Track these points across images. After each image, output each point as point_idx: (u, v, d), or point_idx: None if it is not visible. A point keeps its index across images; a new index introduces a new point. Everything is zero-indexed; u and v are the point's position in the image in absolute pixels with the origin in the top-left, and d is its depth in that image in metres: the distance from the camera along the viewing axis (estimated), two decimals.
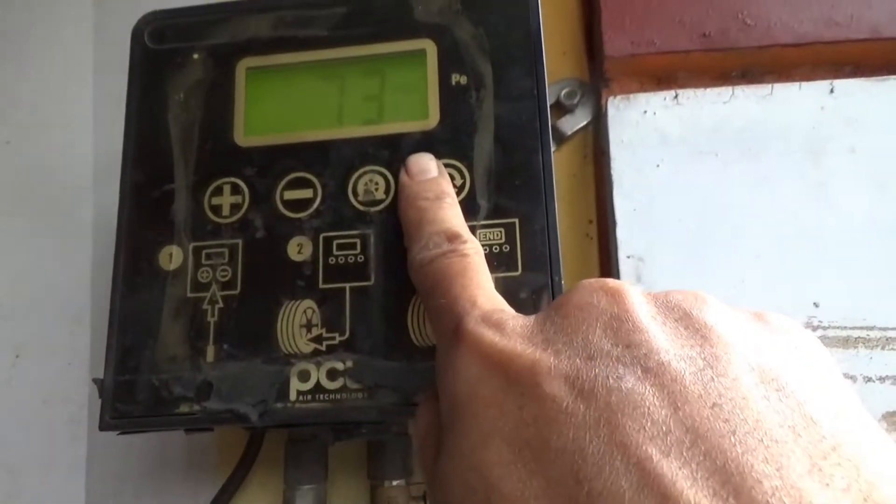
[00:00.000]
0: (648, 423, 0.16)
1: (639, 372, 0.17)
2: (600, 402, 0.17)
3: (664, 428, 0.16)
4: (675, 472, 0.15)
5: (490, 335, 0.20)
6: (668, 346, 0.18)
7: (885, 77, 0.35)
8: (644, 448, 0.16)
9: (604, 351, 0.18)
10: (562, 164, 0.38)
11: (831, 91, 0.35)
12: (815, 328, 0.31)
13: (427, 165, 0.27)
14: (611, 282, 0.20)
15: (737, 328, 0.19)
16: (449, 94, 0.28)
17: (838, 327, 0.31)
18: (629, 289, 0.20)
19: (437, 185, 0.26)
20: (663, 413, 0.16)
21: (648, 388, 0.17)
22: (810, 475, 0.15)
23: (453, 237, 0.24)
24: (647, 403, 0.16)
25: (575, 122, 0.38)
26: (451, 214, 0.25)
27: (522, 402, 0.18)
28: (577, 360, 0.18)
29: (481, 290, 0.22)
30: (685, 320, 0.19)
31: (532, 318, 0.20)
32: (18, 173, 0.43)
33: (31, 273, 0.41)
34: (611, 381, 0.17)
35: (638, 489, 0.15)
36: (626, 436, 0.16)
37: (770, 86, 0.35)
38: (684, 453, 0.15)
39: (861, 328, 0.31)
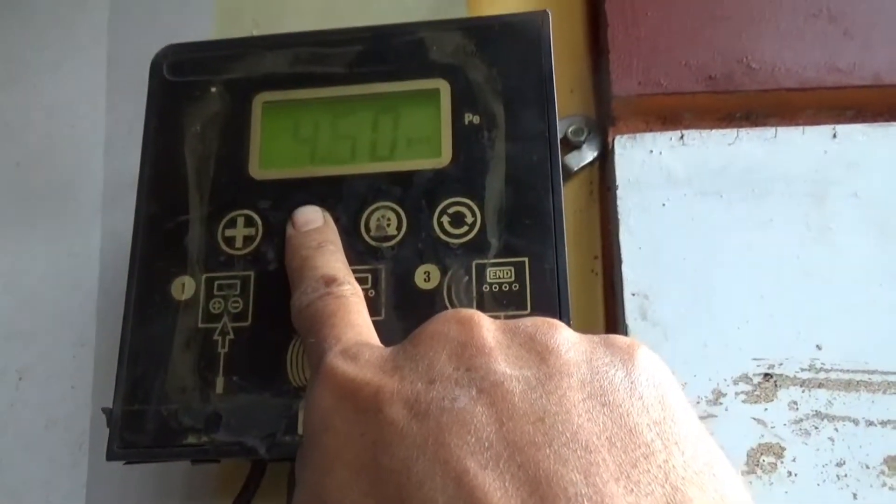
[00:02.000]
0: (473, 440, 0.17)
1: (473, 392, 0.18)
2: (432, 423, 0.18)
3: (486, 443, 0.17)
4: (489, 483, 0.16)
5: (343, 366, 0.20)
6: (506, 367, 0.19)
7: (886, 123, 0.36)
8: (463, 462, 0.17)
9: (445, 374, 0.19)
10: (568, 199, 0.39)
11: (834, 136, 0.35)
12: (817, 371, 0.31)
13: (311, 217, 0.28)
14: (464, 311, 0.21)
15: (577, 350, 0.20)
16: (462, 134, 0.29)
17: (840, 370, 0.31)
18: (479, 317, 0.21)
19: (321, 233, 0.28)
20: (488, 429, 0.17)
21: (479, 407, 0.18)
22: (616, 482, 0.16)
23: (330, 281, 0.25)
24: (475, 421, 0.17)
25: (581, 159, 0.39)
26: (331, 260, 0.26)
27: (365, 427, 0.19)
28: (419, 384, 0.19)
29: (350, 327, 0.23)
30: (528, 344, 0.20)
31: (389, 349, 0.21)
32: (28, 195, 0.43)
33: (37, 295, 0.41)
34: (445, 402, 0.18)
35: (453, 502, 0.16)
36: (449, 452, 0.17)
37: (774, 129, 0.36)
38: (500, 465, 0.17)
39: (863, 371, 0.31)
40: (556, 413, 0.18)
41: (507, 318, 0.26)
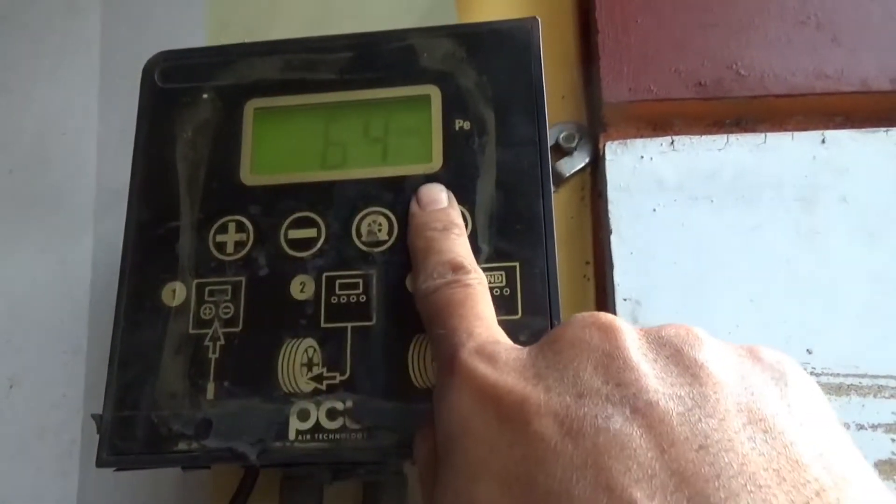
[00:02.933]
0: (634, 466, 0.16)
1: (627, 412, 0.17)
2: (588, 443, 0.17)
3: (650, 471, 0.16)
4: None
5: (483, 368, 0.20)
6: (658, 385, 0.18)
7: (874, 129, 0.36)
8: (629, 491, 0.16)
9: (594, 389, 0.18)
10: (560, 205, 0.39)
11: (823, 141, 0.36)
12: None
13: (437, 196, 0.27)
14: (603, 317, 0.20)
15: (727, 366, 0.19)
16: (452, 139, 0.29)
17: (831, 374, 0.31)
18: (621, 325, 0.20)
19: (447, 215, 0.27)
20: (649, 455, 0.16)
21: (636, 428, 0.17)
22: None
23: (457, 268, 0.25)
24: (634, 445, 0.17)
25: (573, 165, 0.39)
26: (458, 245, 0.26)
27: (512, 439, 0.18)
28: (567, 397, 0.18)
29: (480, 320, 0.23)
30: (676, 357, 0.19)
31: (525, 350, 0.21)
32: (20, 203, 0.43)
33: (29, 303, 0.41)
34: (599, 420, 0.17)
35: None
36: (612, 478, 0.16)
37: (763, 135, 0.36)
38: (668, 497, 0.16)
39: (853, 375, 0.31)
40: (719, 441, 0.17)
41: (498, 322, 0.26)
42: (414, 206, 0.27)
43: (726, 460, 0.16)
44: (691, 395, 0.18)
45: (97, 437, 0.27)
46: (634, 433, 0.17)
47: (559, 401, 0.18)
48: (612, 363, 0.19)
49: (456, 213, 0.27)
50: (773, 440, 0.17)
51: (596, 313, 0.20)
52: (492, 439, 0.18)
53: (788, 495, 0.16)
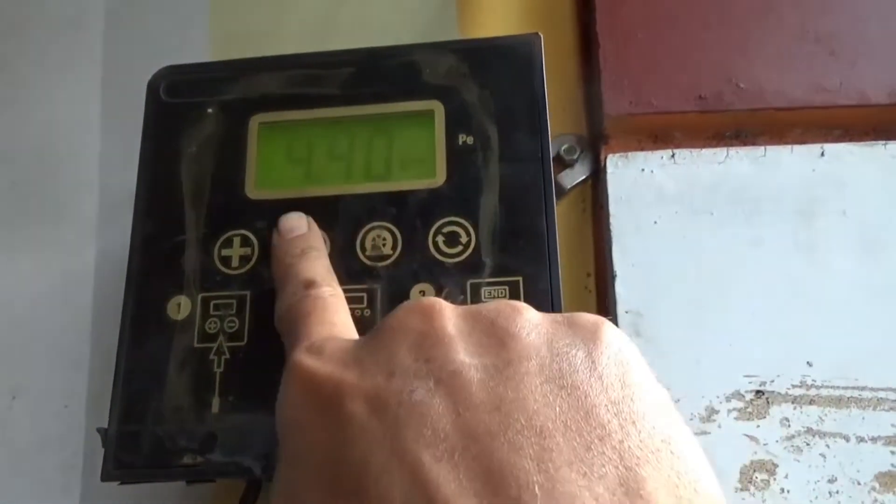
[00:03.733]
0: (428, 432, 0.17)
1: (431, 384, 0.18)
2: (390, 416, 0.18)
3: (442, 435, 0.17)
4: (443, 475, 0.16)
5: (308, 362, 0.20)
6: (465, 356, 0.19)
7: (873, 142, 0.36)
8: (418, 455, 0.17)
9: (404, 367, 0.19)
10: (561, 217, 0.39)
11: (822, 154, 0.36)
12: (808, 387, 0.32)
13: (296, 224, 0.28)
14: (426, 300, 0.21)
15: (538, 333, 0.19)
16: (455, 154, 0.29)
17: (831, 387, 0.32)
18: (441, 305, 0.20)
19: (304, 240, 0.28)
20: (444, 421, 0.17)
21: (437, 398, 0.18)
22: (570, 466, 0.16)
23: (309, 284, 0.25)
24: (432, 413, 0.17)
25: (574, 177, 0.39)
26: (313, 265, 0.27)
27: (326, 423, 0.19)
28: (379, 377, 0.19)
29: (323, 324, 0.23)
30: (489, 329, 0.19)
31: (353, 341, 0.21)
32: (22, 215, 0.43)
33: (31, 314, 0.41)
34: (403, 395, 0.18)
35: (409, 495, 0.16)
36: (405, 445, 0.17)
37: (763, 147, 0.36)
38: (455, 457, 0.16)
39: (853, 388, 0.31)
40: (513, 400, 0.17)
41: None
42: (275, 237, 0.28)
43: (515, 417, 0.17)
44: (495, 363, 0.18)
45: (100, 449, 0.27)
46: (434, 402, 0.18)
47: (371, 382, 0.19)
48: (425, 341, 0.19)
49: (314, 237, 0.28)
50: (568, 395, 0.18)
51: (421, 299, 0.21)
52: (310, 427, 0.19)
53: (570, 442, 0.16)
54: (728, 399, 0.32)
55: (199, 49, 0.44)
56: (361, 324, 0.27)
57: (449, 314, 0.20)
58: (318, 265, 0.27)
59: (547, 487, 0.16)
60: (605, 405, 0.17)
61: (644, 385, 0.19)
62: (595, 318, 0.20)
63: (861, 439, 0.31)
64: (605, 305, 0.36)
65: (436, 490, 0.16)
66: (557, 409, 0.17)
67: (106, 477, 0.27)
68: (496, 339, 0.19)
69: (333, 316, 0.24)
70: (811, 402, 0.32)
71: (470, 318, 0.20)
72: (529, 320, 0.20)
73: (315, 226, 0.28)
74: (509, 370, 0.18)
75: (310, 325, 0.23)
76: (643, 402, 0.18)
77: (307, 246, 0.27)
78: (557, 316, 0.20)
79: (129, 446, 0.27)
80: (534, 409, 0.17)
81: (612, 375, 0.18)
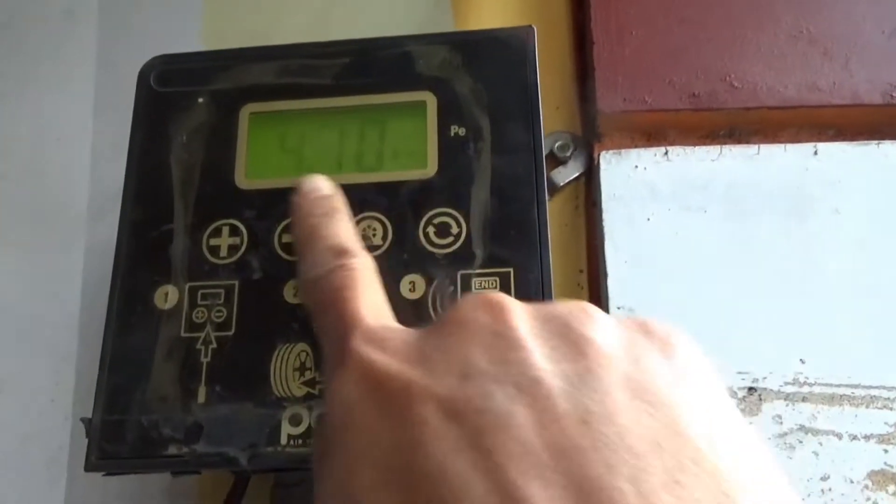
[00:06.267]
0: (513, 444, 0.16)
1: (511, 390, 0.17)
2: (469, 424, 0.17)
3: (528, 448, 0.16)
4: (534, 492, 0.15)
5: (370, 354, 0.19)
6: (544, 362, 0.18)
7: (866, 141, 0.36)
8: (504, 469, 0.16)
9: (479, 369, 0.18)
10: (554, 213, 0.39)
11: (815, 153, 0.36)
12: (801, 385, 0.31)
13: (319, 184, 0.27)
14: (493, 295, 0.20)
15: (616, 341, 0.19)
16: (447, 145, 0.29)
17: (824, 384, 0.31)
18: (511, 303, 0.19)
19: (329, 201, 0.26)
20: (530, 432, 0.16)
21: (518, 406, 0.17)
22: (665, 488, 0.15)
23: (341, 252, 0.24)
24: (515, 423, 0.16)
25: (568, 174, 0.39)
26: (342, 229, 0.25)
27: (393, 425, 0.18)
28: (452, 379, 0.18)
29: (366, 305, 0.22)
30: (564, 334, 0.19)
31: (416, 334, 0.20)
32: (11, 209, 0.43)
33: (18, 308, 0.41)
34: (481, 401, 0.17)
35: None
36: (489, 457, 0.16)
37: (756, 146, 0.36)
38: (546, 473, 0.16)
39: (846, 386, 0.31)
40: (600, 414, 0.17)
41: None
42: (295, 198, 0.26)
43: (606, 433, 0.16)
44: (576, 371, 0.17)
45: (86, 442, 0.27)
46: (517, 411, 0.17)
47: (443, 383, 0.18)
48: (500, 342, 0.18)
49: (339, 200, 0.26)
50: (657, 412, 0.17)
51: (486, 292, 0.20)
52: (373, 427, 0.18)
53: (665, 464, 0.16)
54: None
55: (193, 43, 0.44)
56: None
57: (520, 313, 0.19)
58: (346, 229, 0.25)
59: None
60: (694, 424, 0.17)
61: (726, 405, 0.18)
62: (668, 327, 0.19)
63: (854, 437, 0.31)
64: (598, 302, 0.36)
65: None
66: (647, 426, 0.16)
67: (90, 467, 0.26)
68: (572, 345, 0.18)
69: (374, 294, 0.23)
70: (804, 399, 0.31)
71: (542, 318, 0.19)
72: (604, 325, 0.19)
73: (339, 190, 0.27)
74: (592, 380, 0.17)
75: (352, 302, 0.22)
76: (729, 424, 0.17)
77: (332, 208, 0.26)
78: (629, 321, 0.20)
79: (114, 436, 0.26)
80: (623, 425, 0.16)
81: (696, 394, 0.18)
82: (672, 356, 0.18)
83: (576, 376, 0.17)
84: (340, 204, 0.26)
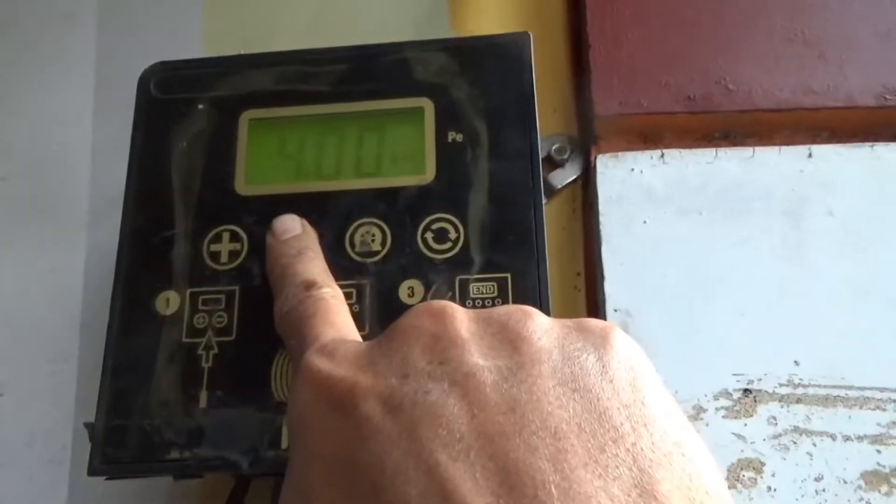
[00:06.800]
0: (444, 432, 0.17)
1: (445, 385, 0.18)
2: (405, 417, 0.18)
3: (457, 435, 0.17)
4: (460, 474, 0.16)
5: (320, 363, 0.21)
6: (478, 358, 0.19)
7: (860, 143, 0.36)
8: (434, 455, 0.17)
9: (418, 368, 0.19)
10: (551, 216, 0.39)
11: (809, 155, 0.36)
12: (795, 386, 0.32)
13: (290, 225, 0.28)
14: (436, 303, 0.21)
15: (550, 337, 0.20)
16: (445, 151, 0.29)
17: (817, 385, 0.32)
18: (452, 308, 0.21)
19: (299, 241, 0.28)
20: (460, 421, 0.17)
21: (451, 399, 0.18)
22: (585, 467, 0.16)
23: (309, 285, 0.25)
24: (447, 414, 0.18)
25: (564, 177, 0.39)
26: (310, 266, 0.27)
27: (340, 423, 0.19)
28: (393, 379, 0.19)
29: (329, 326, 0.24)
30: (501, 333, 0.20)
31: (365, 343, 0.21)
32: (12, 211, 0.43)
33: (20, 310, 0.41)
34: (418, 395, 0.18)
35: (425, 494, 0.16)
36: (422, 445, 0.17)
37: (751, 148, 0.37)
38: (471, 457, 0.17)
39: (840, 387, 0.32)
40: (527, 402, 0.18)
41: None
42: (269, 239, 0.28)
43: (530, 418, 0.17)
44: (508, 365, 0.19)
45: (88, 445, 0.27)
46: (449, 403, 0.18)
47: (385, 383, 0.19)
48: (438, 343, 0.20)
49: (309, 238, 0.28)
50: (581, 397, 0.18)
51: (431, 301, 0.21)
52: (323, 428, 0.19)
53: (585, 444, 0.17)
54: (716, 398, 0.32)
55: (192, 45, 0.44)
56: None
57: (461, 317, 0.20)
58: (315, 265, 0.27)
59: (563, 487, 0.16)
60: (618, 408, 0.18)
61: (653, 389, 0.19)
62: (604, 323, 0.21)
63: (847, 438, 0.31)
64: (595, 304, 0.36)
65: (453, 489, 0.16)
66: (571, 411, 0.18)
67: (93, 471, 0.26)
68: (508, 343, 0.19)
69: (336, 317, 0.24)
70: (798, 400, 0.32)
71: (481, 321, 0.20)
72: (540, 324, 0.20)
73: (309, 227, 0.29)
74: (522, 373, 0.18)
75: (315, 327, 0.23)
76: (653, 406, 0.18)
77: (303, 246, 0.27)
78: (567, 321, 0.21)
79: (116, 441, 0.26)
80: (548, 411, 0.18)
81: (622, 380, 0.19)
82: (603, 350, 0.20)
83: (507, 370, 0.19)
84: (311, 241, 0.28)
